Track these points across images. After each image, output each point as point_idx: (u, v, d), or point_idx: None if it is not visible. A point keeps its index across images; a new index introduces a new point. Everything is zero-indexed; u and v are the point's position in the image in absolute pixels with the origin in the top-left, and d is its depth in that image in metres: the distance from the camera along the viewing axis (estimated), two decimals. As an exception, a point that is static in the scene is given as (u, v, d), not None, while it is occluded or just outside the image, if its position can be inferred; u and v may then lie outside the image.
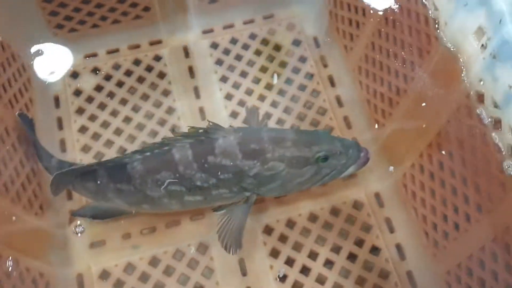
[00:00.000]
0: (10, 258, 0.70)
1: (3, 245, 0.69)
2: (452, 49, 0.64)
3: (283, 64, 1.01)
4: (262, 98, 0.98)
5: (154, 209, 0.81)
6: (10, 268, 0.70)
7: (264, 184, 0.76)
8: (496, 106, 0.59)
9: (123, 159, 0.75)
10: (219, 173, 0.74)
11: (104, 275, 0.83)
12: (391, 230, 0.87)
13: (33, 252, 0.76)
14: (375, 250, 0.85)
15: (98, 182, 0.77)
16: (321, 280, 0.83)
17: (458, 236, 0.72)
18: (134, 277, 0.83)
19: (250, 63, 1.01)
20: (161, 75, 1.00)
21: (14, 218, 0.74)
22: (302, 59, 1.02)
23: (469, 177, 0.67)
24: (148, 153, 0.74)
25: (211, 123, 0.73)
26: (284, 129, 0.80)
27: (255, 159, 0.73)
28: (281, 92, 0.98)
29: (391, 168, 0.86)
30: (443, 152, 0.72)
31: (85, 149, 0.93)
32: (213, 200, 0.78)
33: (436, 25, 0.66)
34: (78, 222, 0.86)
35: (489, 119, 0.60)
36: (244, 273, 0.84)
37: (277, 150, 0.73)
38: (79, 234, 0.86)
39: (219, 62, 1.02)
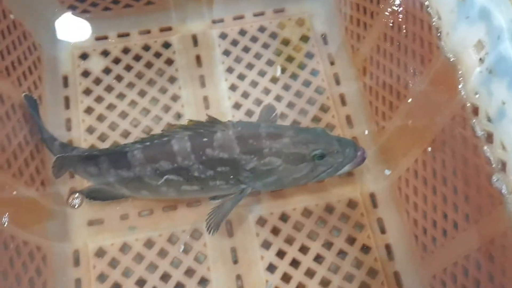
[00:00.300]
0: (7, 233, 0.73)
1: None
2: (452, 60, 0.65)
3: (290, 59, 1.02)
4: (266, 91, 0.99)
5: (152, 196, 0.83)
6: (7, 240, 0.72)
7: (260, 178, 0.77)
8: (489, 120, 0.59)
9: (124, 148, 0.78)
10: (216, 165, 0.76)
11: (100, 253, 0.86)
12: (383, 231, 0.88)
13: (31, 226, 0.79)
14: (365, 249, 0.87)
15: (100, 167, 0.80)
16: (310, 273, 0.85)
17: (445, 242, 0.74)
18: (129, 257, 0.85)
19: (257, 56, 1.02)
20: (169, 62, 1.01)
21: (15, 192, 0.76)
22: (309, 55, 1.03)
23: (459, 186, 0.68)
24: (148, 143, 0.77)
25: (210, 117, 0.75)
26: (282, 126, 0.81)
27: (252, 154, 0.75)
28: (285, 87, 1.00)
29: (387, 171, 0.88)
30: (437, 160, 0.73)
31: (90, 129, 0.95)
32: (210, 190, 0.80)
33: (439, 34, 0.67)
34: (76, 195, 0.89)
35: (482, 132, 0.61)
36: (235, 261, 0.86)
37: (274, 145, 0.75)
38: (76, 206, 0.88)
39: (226, 52, 1.03)
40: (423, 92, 0.74)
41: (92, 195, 0.86)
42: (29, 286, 0.75)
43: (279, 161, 0.75)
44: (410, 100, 0.78)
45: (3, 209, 0.73)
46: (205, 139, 0.75)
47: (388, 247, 0.87)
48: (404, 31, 0.77)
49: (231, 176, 0.77)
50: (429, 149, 0.74)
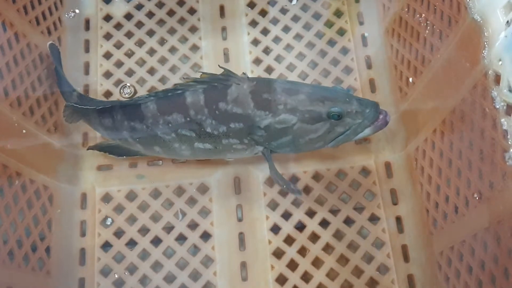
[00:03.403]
0: (13, 169, 0.74)
1: (8, 155, 0.72)
2: (479, 21, 0.59)
3: (316, 16, 0.97)
4: (289, 48, 0.95)
5: (166, 153, 0.81)
6: (12, 177, 0.73)
7: (275, 138, 0.74)
8: (510, 90, 0.54)
9: (137, 100, 0.76)
10: (229, 121, 0.73)
11: (107, 198, 0.86)
12: (394, 202, 0.85)
13: (39, 166, 0.80)
14: (373, 218, 0.84)
15: (114, 118, 0.78)
16: (313, 238, 0.83)
17: (456, 219, 0.70)
18: (134, 204, 0.86)
19: (283, 11, 0.98)
20: (192, 11, 0.98)
21: (24, 131, 0.77)
22: (338, 13, 0.97)
23: (474, 161, 0.64)
24: (161, 95, 0.75)
25: (224, 69, 0.71)
26: (299, 82, 0.76)
27: (267, 110, 0.71)
28: (309, 45, 0.95)
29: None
30: (454, 131, 0.68)
31: (107, 74, 0.94)
32: (224, 150, 0.77)
33: (467, -6, 0.61)
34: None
35: (502, 103, 0.56)
36: (239, 219, 0.85)
37: (289, 102, 0.71)
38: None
39: (251, 4, 0.99)
40: (447, 58, 0.68)
41: (106, 149, 0.85)
42: (33, 222, 0.77)
43: (294, 119, 0.71)
44: (434, 65, 0.73)
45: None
46: (219, 93, 0.72)
47: (398, 219, 0.84)
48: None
49: (245, 134, 0.74)
50: (448, 119, 0.69)
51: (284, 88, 0.72)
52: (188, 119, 0.74)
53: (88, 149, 0.86)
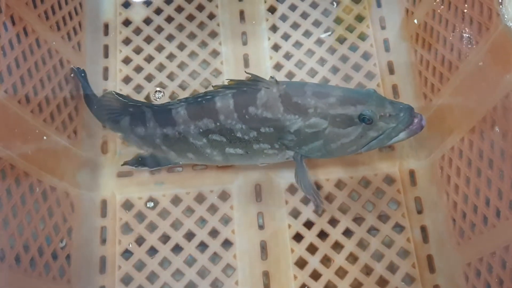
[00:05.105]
0: (35, 177, 0.73)
1: (29, 162, 0.72)
2: (512, 29, 0.58)
3: (338, 20, 0.96)
4: (310, 53, 0.94)
5: (198, 159, 0.80)
6: (33, 184, 0.72)
7: (305, 142, 0.72)
8: (547, 99, 0.53)
9: (167, 105, 0.75)
10: (259, 125, 0.71)
11: (127, 205, 0.86)
12: (419, 211, 0.83)
13: (60, 172, 0.79)
14: (398, 227, 0.83)
15: (146, 126, 0.78)
16: (337, 247, 0.82)
17: (485, 230, 0.68)
18: (155, 212, 0.85)
19: (304, 15, 0.96)
20: (211, 16, 0.97)
21: (45, 137, 0.76)
22: (359, 18, 0.96)
23: (506, 171, 0.62)
24: (191, 101, 0.74)
25: (252, 75, 0.70)
26: (330, 85, 0.74)
27: (297, 114, 0.69)
28: (330, 50, 0.94)
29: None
30: (484, 140, 0.66)
31: (126, 80, 0.93)
32: (255, 155, 0.76)
33: (500, 0, 0.59)
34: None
35: (538, 114, 0.54)
36: (261, 227, 0.84)
37: (320, 106, 0.69)
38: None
39: (271, 9, 0.97)
40: (476, 65, 0.67)
41: (141, 163, 0.84)
42: (54, 230, 0.76)
43: (325, 123, 0.69)
44: (462, 72, 0.71)
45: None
46: (248, 97, 0.71)
47: (423, 229, 0.82)
48: (464, -6, 0.69)
49: (275, 139, 0.73)
50: (478, 128, 0.67)
51: (314, 91, 0.70)
52: (218, 124, 0.73)
53: (123, 165, 0.85)
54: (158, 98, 0.91)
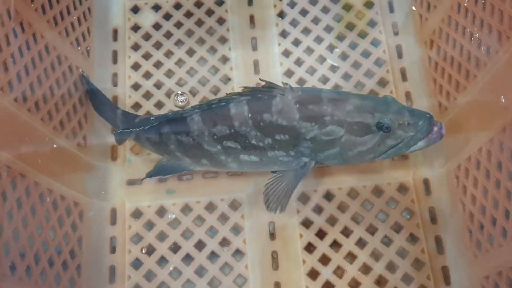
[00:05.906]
0: (45, 186, 0.72)
1: (40, 171, 0.71)
2: (536, 40, 0.56)
3: (350, 26, 0.95)
4: (321, 59, 0.92)
5: (213, 165, 0.79)
6: (44, 194, 0.71)
7: (321, 150, 0.71)
8: None
9: (182, 113, 0.74)
10: (274, 133, 0.70)
11: (137, 214, 0.84)
12: (434, 221, 0.82)
13: (70, 181, 0.78)
14: (412, 238, 0.81)
15: (160, 133, 0.77)
16: (350, 258, 0.80)
17: (504, 243, 0.67)
18: (165, 221, 0.84)
19: (315, 21, 0.95)
20: (221, 21, 0.96)
21: (55, 145, 0.75)
22: (372, 23, 0.95)
23: (528, 184, 0.61)
24: (205, 107, 0.72)
25: (266, 82, 0.69)
26: (346, 92, 0.73)
27: (313, 121, 0.68)
28: (342, 56, 0.92)
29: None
30: (504, 151, 0.65)
31: (135, 86, 0.92)
32: (270, 162, 0.75)
33: (524, 10, 0.58)
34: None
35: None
36: (272, 237, 0.82)
37: (336, 113, 0.67)
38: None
39: (282, 14, 0.96)
40: (496, 74, 0.65)
41: (159, 173, 0.82)
42: (64, 240, 0.75)
43: (341, 131, 0.68)
44: (480, 81, 0.70)
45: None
46: (263, 104, 0.69)
47: (438, 239, 0.81)
48: (482, 1, 0.68)
49: (291, 146, 0.71)
50: (497, 138, 0.66)
51: (331, 98, 0.69)
52: (232, 130, 0.72)
53: (143, 180, 0.83)
54: (181, 101, 0.89)
